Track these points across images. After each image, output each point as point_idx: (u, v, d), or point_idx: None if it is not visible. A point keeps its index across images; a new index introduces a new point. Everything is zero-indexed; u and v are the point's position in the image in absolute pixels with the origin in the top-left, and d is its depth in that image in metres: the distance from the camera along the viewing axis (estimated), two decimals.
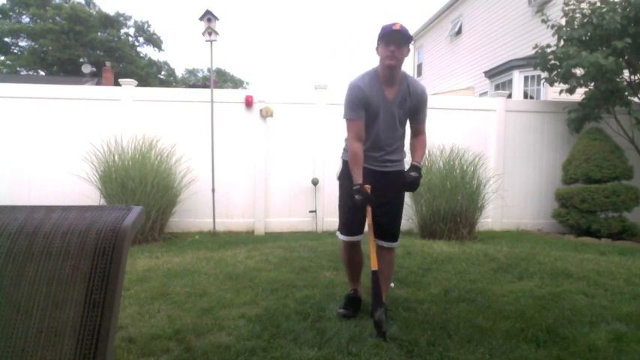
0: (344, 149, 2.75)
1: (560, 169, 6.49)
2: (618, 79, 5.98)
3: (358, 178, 2.50)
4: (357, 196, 2.46)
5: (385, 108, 2.53)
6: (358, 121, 2.52)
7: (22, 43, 27.56)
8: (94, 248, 0.98)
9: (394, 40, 2.43)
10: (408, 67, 18.68)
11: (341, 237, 2.72)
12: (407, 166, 2.68)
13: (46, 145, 5.88)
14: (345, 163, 2.67)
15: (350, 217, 2.66)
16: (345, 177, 2.69)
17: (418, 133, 2.70)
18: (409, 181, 2.56)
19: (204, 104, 6.07)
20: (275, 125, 6.29)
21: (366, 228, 2.68)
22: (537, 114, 6.82)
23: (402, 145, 2.73)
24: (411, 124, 2.69)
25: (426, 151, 5.76)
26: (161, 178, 5.24)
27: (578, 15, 6.25)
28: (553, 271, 3.75)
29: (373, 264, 2.43)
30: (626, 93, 6.18)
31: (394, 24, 2.43)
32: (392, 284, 3.23)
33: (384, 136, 2.59)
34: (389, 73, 2.49)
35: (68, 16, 25.79)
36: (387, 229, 2.66)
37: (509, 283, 3.47)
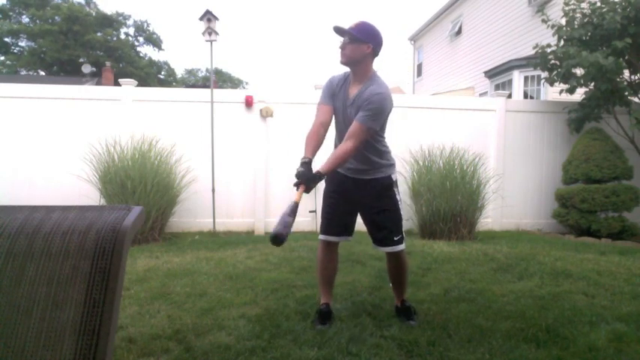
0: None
1: (560, 169, 6.48)
2: (618, 79, 5.97)
3: (307, 152, 2.47)
4: (298, 168, 2.33)
5: (344, 106, 2.50)
6: (323, 106, 2.54)
7: (22, 44, 27.61)
8: (94, 248, 0.98)
9: (337, 33, 2.42)
10: (407, 67, 18.66)
11: (319, 236, 2.68)
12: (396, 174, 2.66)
13: (46, 145, 5.87)
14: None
15: (327, 216, 2.63)
16: (328, 178, 2.56)
17: (347, 136, 2.38)
18: (295, 174, 2.33)
19: (204, 104, 6.07)
20: (275, 125, 6.29)
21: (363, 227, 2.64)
22: (537, 114, 6.82)
23: (370, 152, 2.51)
24: None
25: (426, 151, 5.80)
26: (161, 178, 5.24)
27: (578, 15, 6.24)
28: (553, 271, 3.75)
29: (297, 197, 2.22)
30: (626, 93, 6.18)
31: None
32: (390, 284, 3.22)
33: (341, 136, 2.50)
34: (350, 69, 2.47)
35: (66, 16, 25.79)
36: (381, 235, 2.56)
37: (509, 283, 3.46)
